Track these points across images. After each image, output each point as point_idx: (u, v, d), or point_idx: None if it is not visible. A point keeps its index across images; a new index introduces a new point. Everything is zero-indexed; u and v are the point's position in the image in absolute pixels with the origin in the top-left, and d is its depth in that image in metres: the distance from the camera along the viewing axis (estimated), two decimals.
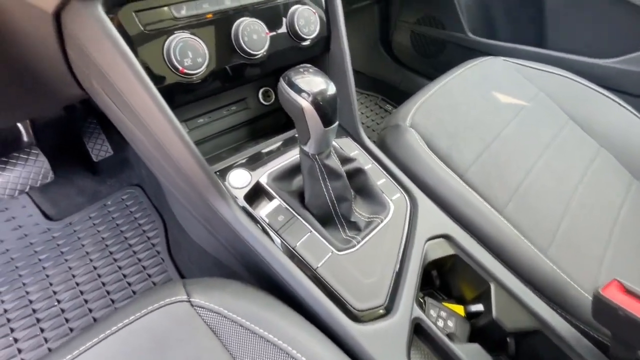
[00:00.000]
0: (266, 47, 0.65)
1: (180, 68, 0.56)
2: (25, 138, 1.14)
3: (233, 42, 0.62)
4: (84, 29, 0.49)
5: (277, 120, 0.93)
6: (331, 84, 0.53)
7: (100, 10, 0.49)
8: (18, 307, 1.10)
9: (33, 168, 1.11)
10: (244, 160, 0.71)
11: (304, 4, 0.69)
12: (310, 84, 0.51)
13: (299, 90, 0.51)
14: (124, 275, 1.18)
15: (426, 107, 0.95)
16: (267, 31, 0.64)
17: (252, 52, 0.63)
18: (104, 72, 0.53)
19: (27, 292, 1.13)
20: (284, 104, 0.54)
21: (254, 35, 0.63)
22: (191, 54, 0.57)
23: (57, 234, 1.27)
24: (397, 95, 1.95)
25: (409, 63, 1.86)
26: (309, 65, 0.56)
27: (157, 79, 0.56)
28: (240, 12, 0.62)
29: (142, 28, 0.53)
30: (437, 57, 1.68)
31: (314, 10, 0.70)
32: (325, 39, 0.77)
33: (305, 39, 0.70)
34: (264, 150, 0.75)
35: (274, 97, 0.93)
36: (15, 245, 1.23)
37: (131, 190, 1.38)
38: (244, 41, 0.62)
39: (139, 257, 1.23)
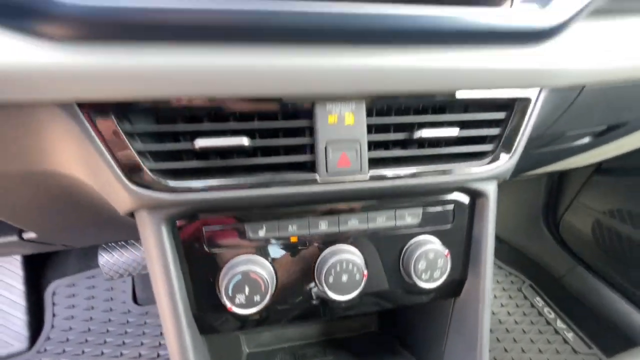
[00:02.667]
0: (357, 291, 0.45)
1: (228, 305, 0.41)
2: None
3: (315, 277, 0.45)
4: (144, 235, 0.41)
5: (364, 324, 0.69)
6: None
7: (163, 226, 0.40)
8: None
9: (138, 258, 1.17)
10: None
11: (433, 239, 0.48)
12: None
13: None
14: None
15: None
16: (364, 272, 0.45)
17: (334, 298, 0.44)
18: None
19: None
20: None
21: (343, 277, 0.44)
22: (248, 290, 0.41)
23: (132, 319, 1.30)
24: (555, 288, 1.41)
25: (584, 256, 1.35)
26: None
27: (198, 305, 0.42)
28: (337, 239, 0.46)
29: (206, 247, 0.42)
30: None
31: (446, 252, 0.47)
32: (456, 284, 0.51)
33: (420, 290, 0.47)
34: None
35: None
36: (99, 316, 1.31)
37: None
38: (327, 282, 0.43)
39: None
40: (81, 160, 0.37)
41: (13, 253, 1.17)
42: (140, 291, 1.35)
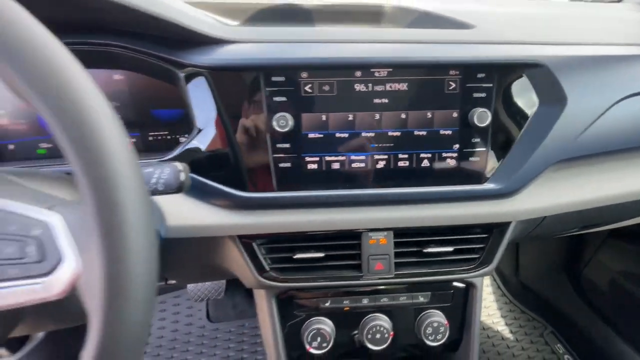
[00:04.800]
0: (386, 344, 0.70)
1: (307, 347, 0.69)
2: None
3: (359, 333, 0.72)
4: (260, 304, 0.71)
5: None
6: None
7: (273, 300, 0.69)
8: None
9: (215, 285, 1.51)
10: None
11: (438, 313, 0.73)
12: None
13: None
14: None
15: None
16: (391, 332, 0.70)
17: (372, 347, 0.70)
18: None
19: None
20: None
21: (377, 335, 0.70)
22: (319, 339, 0.69)
23: (206, 333, 1.64)
24: (577, 338, 1.50)
25: (606, 311, 1.44)
26: None
27: (288, 346, 0.71)
28: (374, 309, 0.72)
29: (295, 312, 0.71)
30: None
31: (446, 322, 0.71)
32: (454, 343, 0.75)
33: (429, 346, 0.72)
34: None
35: None
36: (182, 329, 1.66)
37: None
38: (367, 338, 0.70)
39: None
40: (235, 261, 0.68)
41: None
42: (213, 311, 1.70)
